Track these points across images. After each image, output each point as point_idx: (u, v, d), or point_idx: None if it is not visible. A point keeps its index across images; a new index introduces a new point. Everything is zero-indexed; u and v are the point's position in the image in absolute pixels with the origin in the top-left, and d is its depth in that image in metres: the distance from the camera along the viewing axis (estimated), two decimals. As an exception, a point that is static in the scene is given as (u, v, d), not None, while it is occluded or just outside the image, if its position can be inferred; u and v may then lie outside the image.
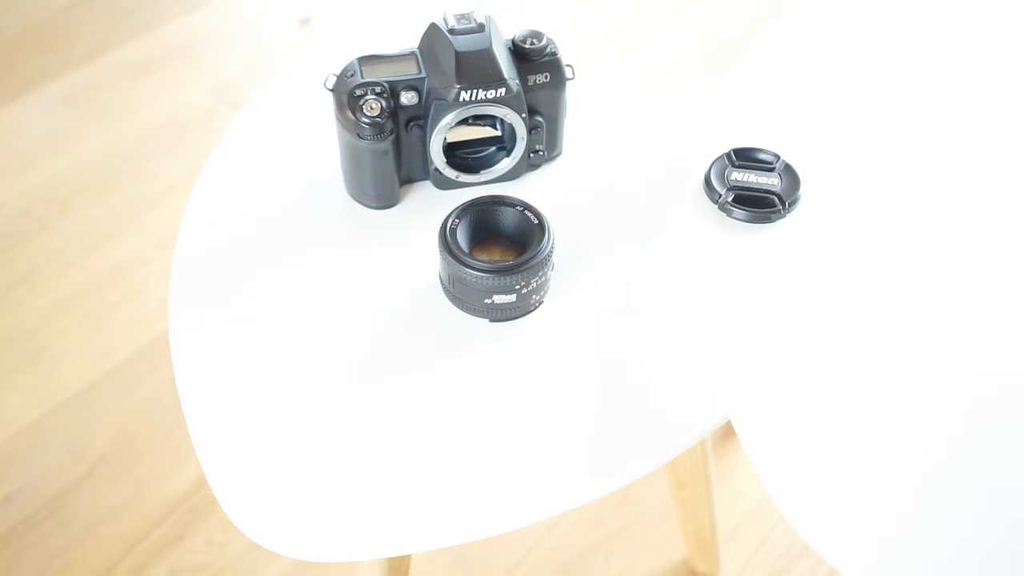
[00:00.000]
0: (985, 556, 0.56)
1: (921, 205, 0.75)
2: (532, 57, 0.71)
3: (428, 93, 0.70)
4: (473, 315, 0.68)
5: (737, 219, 0.73)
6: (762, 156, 0.76)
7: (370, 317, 0.68)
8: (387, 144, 0.71)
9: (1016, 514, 0.58)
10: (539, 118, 0.73)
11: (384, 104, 0.69)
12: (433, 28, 0.70)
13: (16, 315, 1.41)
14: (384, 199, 0.74)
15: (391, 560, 0.76)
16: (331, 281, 0.70)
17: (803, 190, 0.74)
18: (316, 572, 1.13)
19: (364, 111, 0.69)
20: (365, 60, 0.71)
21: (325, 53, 0.88)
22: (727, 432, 1.22)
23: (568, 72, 0.73)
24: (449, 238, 0.66)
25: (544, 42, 0.71)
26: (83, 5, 1.92)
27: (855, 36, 0.91)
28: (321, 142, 0.78)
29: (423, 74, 0.70)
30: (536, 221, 0.68)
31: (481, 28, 0.69)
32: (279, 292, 0.70)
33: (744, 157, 0.75)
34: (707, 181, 0.75)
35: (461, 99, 0.69)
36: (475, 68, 0.69)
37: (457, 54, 0.68)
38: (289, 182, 0.77)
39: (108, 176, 1.60)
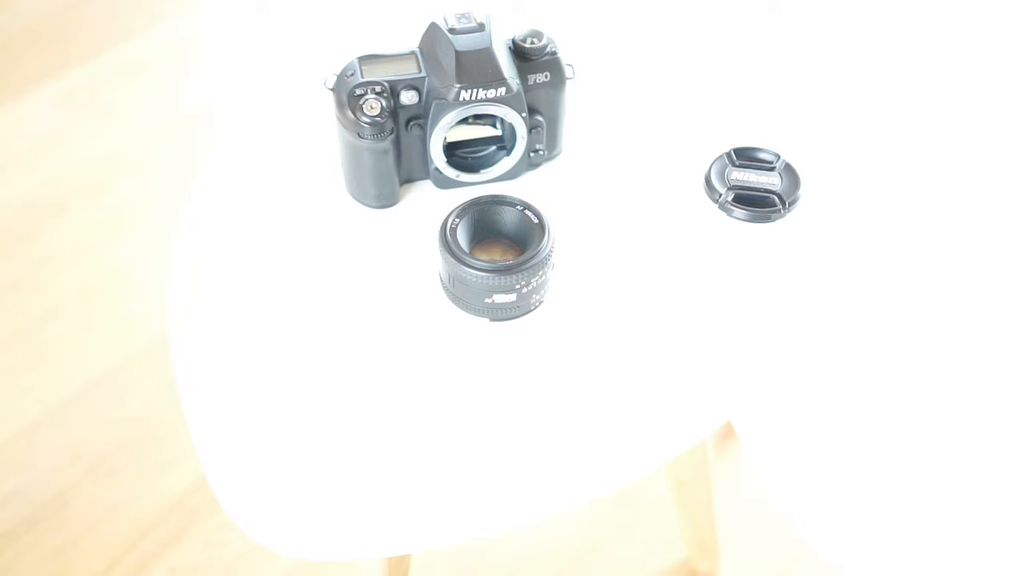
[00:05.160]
0: (985, 556, 0.56)
1: (921, 205, 0.75)
2: (532, 56, 0.71)
3: (428, 92, 0.70)
4: (473, 315, 0.68)
5: (737, 219, 0.73)
6: (762, 156, 0.76)
7: (370, 317, 0.68)
8: (387, 143, 0.71)
9: (1016, 514, 0.58)
10: (539, 117, 0.73)
11: (384, 103, 0.69)
12: (433, 27, 0.70)
13: (16, 315, 1.41)
14: (384, 199, 0.74)
15: (391, 560, 0.76)
16: (331, 281, 0.70)
17: (803, 190, 0.74)
18: (316, 572, 1.13)
19: (364, 110, 0.69)
20: (365, 60, 0.71)
21: (325, 53, 0.88)
22: (727, 432, 1.22)
23: (568, 72, 0.73)
24: (449, 238, 0.66)
25: (544, 41, 0.71)
26: (82, 5, 1.92)
27: (855, 36, 0.91)
28: (321, 142, 0.78)
29: (423, 73, 0.70)
30: (536, 221, 0.68)
31: (481, 27, 0.69)
32: (279, 292, 0.70)
33: (744, 157, 0.75)
34: (707, 181, 0.75)
35: (461, 98, 0.69)
36: (475, 67, 0.69)
37: (457, 53, 0.68)
38: (289, 182, 0.77)
39: (107, 176, 1.60)
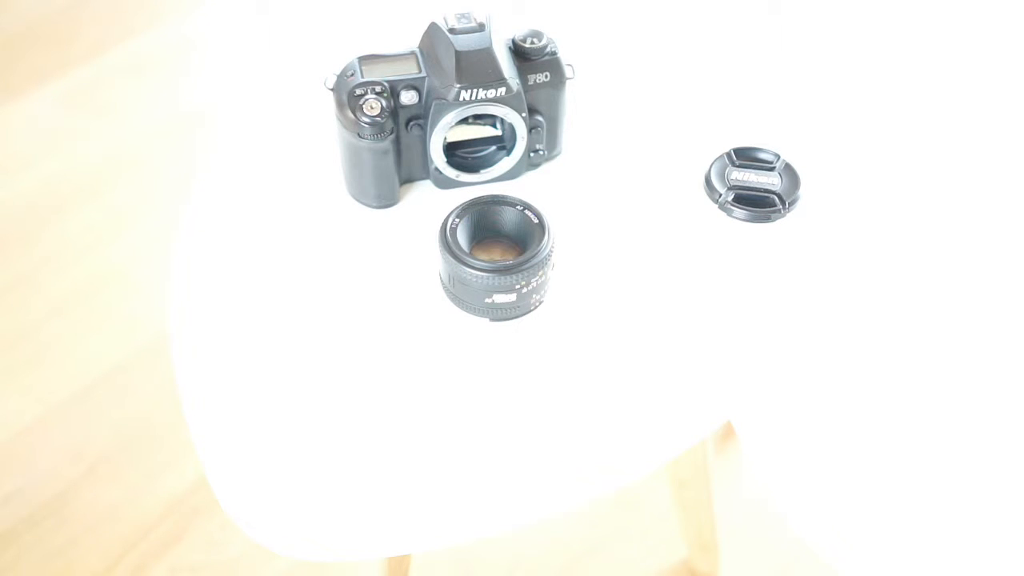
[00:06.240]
0: (984, 556, 0.56)
1: (921, 204, 0.75)
2: (532, 56, 0.71)
3: (428, 92, 0.70)
4: (473, 315, 0.68)
5: (737, 219, 0.73)
6: (762, 156, 0.76)
7: (370, 317, 0.68)
8: (387, 143, 0.71)
9: (1016, 514, 0.58)
10: (539, 117, 0.73)
11: (384, 103, 0.69)
12: (433, 27, 0.70)
13: (16, 315, 1.41)
14: (384, 199, 0.74)
15: (391, 560, 0.76)
16: (331, 281, 0.70)
17: (803, 190, 0.74)
18: (316, 572, 1.13)
19: (364, 110, 0.69)
20: (365, 60, 0.71)
21: (325, 53, 0.88)
22: (727, 432, 1.22)
23: (568, 72, 0.73)
24: (449, 237, 0.66)
25: (544, 41, 0.71)
26: (82, 5, 1.92)
27: (855, 36, 0.91)
28: (321, 142, 0.78)
29: (423, 73, 0.70)
30: (536, 221, 0.68)
31: (481, 27, 0.69)
32: (279, 292, 0.70)
33: (744, 156, 0.75)
34: (707, 181, 0.75)
35: (461, 98, 0.69)
36: (475, 67, 0.69)
37: (457, 53, 0.68)
38: (289, 182, 0.77)
39: (108, 176, 1.60)
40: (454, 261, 0.66)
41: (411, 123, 0.71)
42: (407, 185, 0.76)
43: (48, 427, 1.28)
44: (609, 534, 1.20)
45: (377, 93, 0.69)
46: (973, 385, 0.64)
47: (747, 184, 0.74)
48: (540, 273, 0.66)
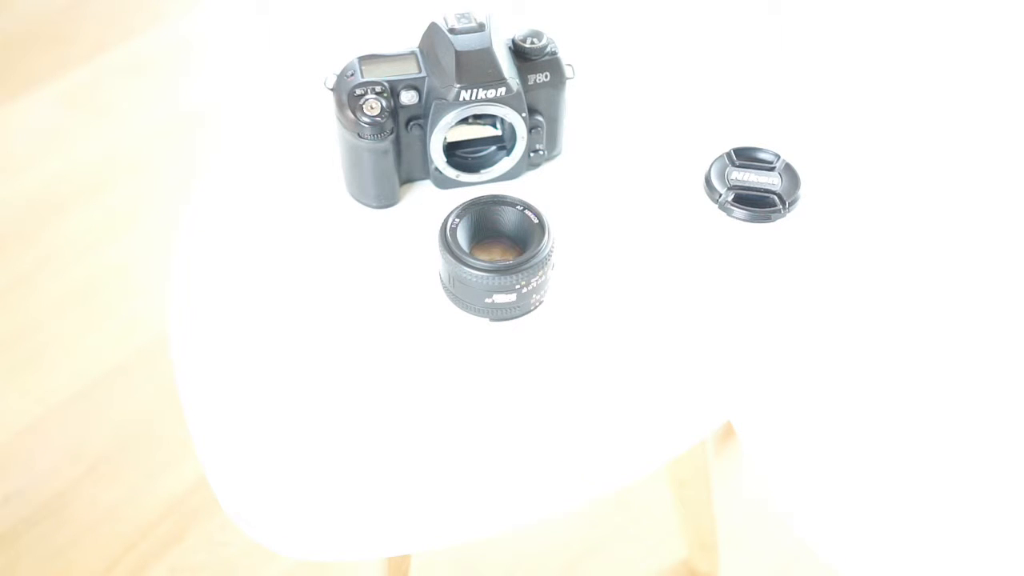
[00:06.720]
0: (984, 556, 0.56)
1: (921, 204, 0.75)
2: (532, 56, 0.71)
3: (428, 92, 0.70)
4: (473, 315, 0.68)
5: (737, 219, 0.73)
6: (762, 156, 0.76)
7: (370, 317, 0.68)
8: (387, 143, 0.71)
9: (1016, 514, 0.58)
10: (539, 117, 0.73)
11: (384, 103, 0.69)
12: (433, 27, 0.70)
13: (16, 315, 1.41)
14: (384, 199, 0.74)
15: (391, 560, 0.76)
16: (331, 281, 0.70)
17: (803, 190, 0.74)
18: (316, 572, 1.13)
19: (364, 110, 0.69)
20: (365, 59, 0.71)
21: (325, 53, 0.88)
22: (727, 432, 1.22)
23: (568, 72, 0.73)
24: (449, 237, 0.66)
25: (544, 41, 0.71)
26: (82, 5, 1.92)
27: (855, 35, 0.91)
28: (321, 142, 0.78)
29: (423, 73, 0.70)
30: (536, 221, 0.68)
31: (481, 27, 0.69)
32: (279, 292, 0.70)
33: (744, 156, 0.75)
34: (707, 181, 0.75)
35: (461, 98, 0.69)
36: (475, 67, 0.69)
37: (457, 53, 0.68)
38: (289, 182, 0.77)
39: (108, 176, 1.60)
40: (454, 261, 0.66)
41: (411, 123, 0.71)
42: (407, 185, 0.76)
43: (48, 427, 1.28)
44: (609, 534, 1.20)
45: (377, 93, 0.69)
46: (973, 385, 0.64)
47: (747, 184, 0.74)
48: (540, 273, 0.66)
